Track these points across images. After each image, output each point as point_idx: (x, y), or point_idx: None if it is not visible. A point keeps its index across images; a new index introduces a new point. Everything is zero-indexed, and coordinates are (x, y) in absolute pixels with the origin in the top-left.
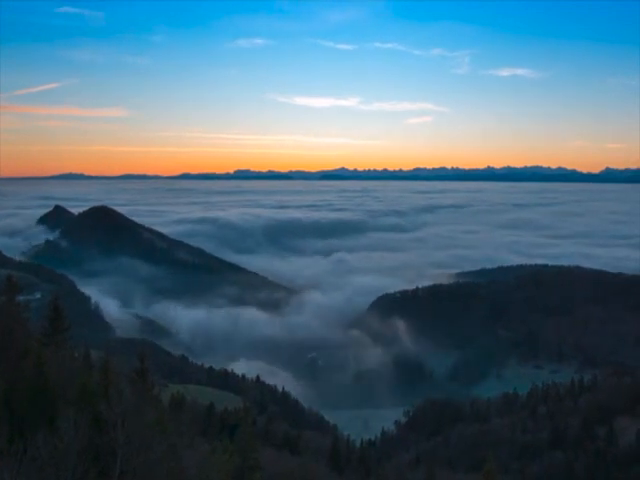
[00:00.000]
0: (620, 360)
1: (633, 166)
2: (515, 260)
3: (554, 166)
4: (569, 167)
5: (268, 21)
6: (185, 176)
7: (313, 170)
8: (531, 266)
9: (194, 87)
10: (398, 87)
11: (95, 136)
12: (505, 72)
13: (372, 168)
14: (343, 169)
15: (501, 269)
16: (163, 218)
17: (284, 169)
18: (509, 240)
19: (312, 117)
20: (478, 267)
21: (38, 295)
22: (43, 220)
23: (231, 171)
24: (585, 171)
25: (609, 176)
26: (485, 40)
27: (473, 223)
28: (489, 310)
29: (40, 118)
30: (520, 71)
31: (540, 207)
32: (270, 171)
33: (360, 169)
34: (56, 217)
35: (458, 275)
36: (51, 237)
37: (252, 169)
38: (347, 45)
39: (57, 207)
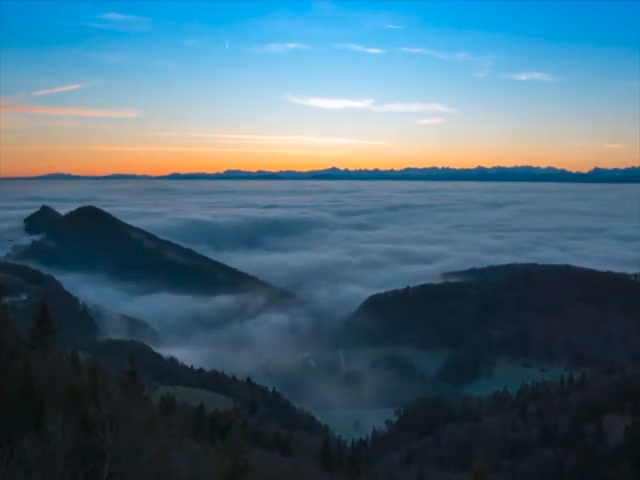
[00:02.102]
0: (609, 358)
1: (621, 166)
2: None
3: (544, 166)
4: (558, 167)
5: (302, 26)
6: (174, 176)
7: (304, 170)
8: (521, 265)
9: (213, 90)
10: (412, 89)
11: (93, 137)
12: (523, 76)
13: (363, 168)
14: (334, 169)
15: (491, 268)
16: (151, 218)
17: (275, 169)
18: (476, 239)
19: (321, 118)
20: (468, 267)
21: (24, 297)
22: (29, 220)
23: (221, 171)
24: (575, 171)
25: (598, 176)
26: (509, 45)
27: (444, 221)
28: (480, 309)
29: (44, 118)
30: (538, 75)
31: (516, 205)
32: (260, 171)
33: (351, 169)
34: (43, 218)
35: (448, 275)
36: (37, 238)
37: (242, 169)
38: (376, 49)
39: (44, 207)
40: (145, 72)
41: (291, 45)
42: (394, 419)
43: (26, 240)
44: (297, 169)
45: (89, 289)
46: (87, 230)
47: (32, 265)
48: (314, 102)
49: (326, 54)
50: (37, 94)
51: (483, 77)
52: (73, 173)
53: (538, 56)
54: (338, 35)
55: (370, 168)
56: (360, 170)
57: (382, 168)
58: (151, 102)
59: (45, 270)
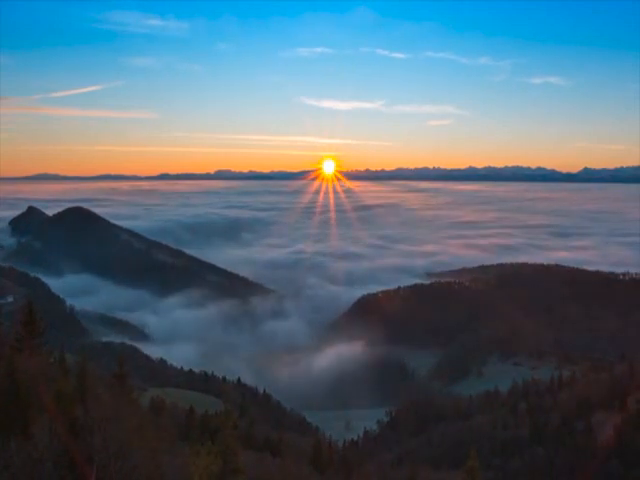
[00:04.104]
0: (598, 356)
1: (610, 166)
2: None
3: (534, 166)
4: (548, 167)
5: (332, 31)
6: (163, 176)
7: (295, 170)
8: (511, 265)
9: (229, 93)
10: (426, 91)
11: (88, 137)
12: (538, 80)
13: (355, 168)
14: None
15: (482, 268)
16: (128, 220)
17: (265, 169)
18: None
19: (329, 119)
20: (453, 267)
21: (10, 299)
22: (15, 221)
23: (211, 171)
24: (564, 171)
25: (587, 176)
26: (528, 50)
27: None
28: (470, 308)
29: (47, 119)
30: (552, 79)
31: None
32: (251, 171)
33: (342, 169)
34: (29, 218)
35: (440, 274)
36: (24, 239)
37: (233, 169)
38: (401, 54)
39: (30, 208)
40: (169, 75)
41: (318, 49)
42: (385, 419)
43: (12, 241)
44: (288, 169)
45: (77, 291)
46: (75, 231)
47: (18, 267)
48: (327, 104)
49: (350, 58)
50: (55, 95)
51: (500, 81)
52: (60, 173)
53: (554, 60)
54: (366, 40)
55: (362, 168)
56: (351, 170)
57: (373, 168)
58: (164, 105)
59: (32, 272)
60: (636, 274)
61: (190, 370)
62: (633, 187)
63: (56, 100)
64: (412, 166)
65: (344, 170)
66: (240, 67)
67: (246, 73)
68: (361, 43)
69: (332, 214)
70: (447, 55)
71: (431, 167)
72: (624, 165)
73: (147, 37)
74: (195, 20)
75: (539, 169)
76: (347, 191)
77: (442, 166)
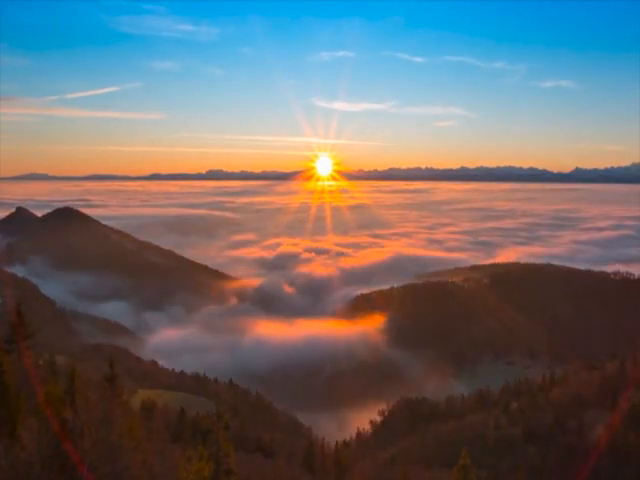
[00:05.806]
0: (589, 355)
1: (601, 166)
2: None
3: (525, 166)
4: (540, 167)
5: (355, 35)
6: (155, 176)
7: (287, 171)
8: (504, 264)
9: (245, 95)
10: (436, 93)
11: (83, 137)
12: (549, 83)
13: (349, 168)
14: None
15: (475, 268)
16: (127, 219)
17: (258, 169)
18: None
19: (335, 121)
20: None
21: None
22: (4, 222)
23: (203, 171)
24: (556, 171)
25: (579, 176)
26: (543, 55)
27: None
28: (463, 308)
29: (53, 120)
30: (564, 82)
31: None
32: (243, 171)
33: (338, 169)
34: (18, 219)
35: (432, 274)
36: (12, 240)
37: (225, 169)
38: (420, 58)
39: (19, 209)
40: (189, 78)
41: (340, 53)
42: (378, 419)
43: (0, 242)
44: (280, 169)
45: (67, 292)
46: (65, 232)
47: (7, 268)
48: (338, 105)
49: (370, 62)
50: (69, 96)
51: (510, 84)
52: (49, 173)
53: (567, 64)
54: (388, 44)
55: (355, 168)
56: (345, 170)
57: (367, 169)
58: (174, 107)
59: (21, 273)
60: (627, 273)
61: (182, 372)
62: (624, 187)
63: (69, 101)
64: (404, 166)
65: (339, 170)
66: (260, 70)
67: (265, 76)
68: (383, 47)
69: (323, 213)
70: (465, 59)
71: (423, 167)
72: (615, 165)
73: (177, 41)
74: (226, 25)
75: (531, 169)
76: (339, 191)
77: (435, 166)
